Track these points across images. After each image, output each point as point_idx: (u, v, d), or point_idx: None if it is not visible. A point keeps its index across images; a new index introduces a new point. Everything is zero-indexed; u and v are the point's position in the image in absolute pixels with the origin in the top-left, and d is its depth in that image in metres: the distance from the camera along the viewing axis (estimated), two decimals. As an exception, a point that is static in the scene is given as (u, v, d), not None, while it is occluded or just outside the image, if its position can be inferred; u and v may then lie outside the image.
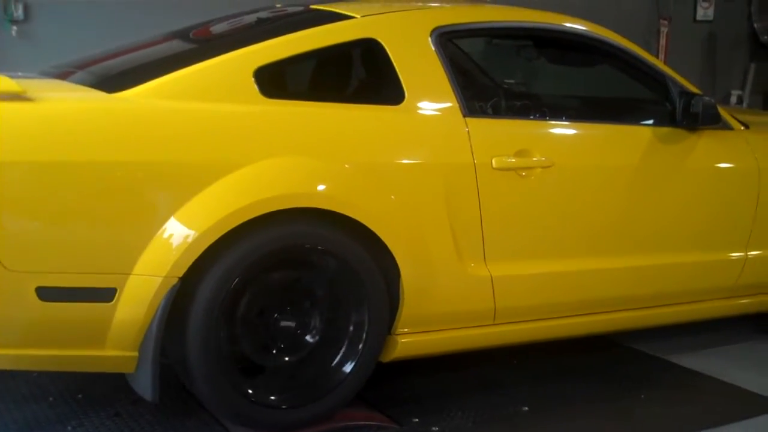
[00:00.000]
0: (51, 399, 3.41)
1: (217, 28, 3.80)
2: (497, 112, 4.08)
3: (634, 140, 3.85)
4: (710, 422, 3.52)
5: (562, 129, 3.83)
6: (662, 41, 8.04)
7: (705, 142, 3.98)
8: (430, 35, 3.48)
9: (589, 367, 4.04)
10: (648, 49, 4.15)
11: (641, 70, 3.99)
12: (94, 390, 3.47)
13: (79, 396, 3.43)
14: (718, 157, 4.05)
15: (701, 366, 4.09)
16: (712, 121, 3.93)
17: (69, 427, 3.19)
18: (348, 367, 3.23)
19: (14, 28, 5.40)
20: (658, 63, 4.07)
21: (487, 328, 3.54)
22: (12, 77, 2.93)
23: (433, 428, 3.32)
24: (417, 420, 3.37)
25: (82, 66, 3.49)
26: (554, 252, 3.65)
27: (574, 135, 3.82)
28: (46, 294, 2.77)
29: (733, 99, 8.72)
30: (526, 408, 3.54)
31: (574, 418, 3.51)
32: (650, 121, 3.97)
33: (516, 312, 3.59)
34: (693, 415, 3.59)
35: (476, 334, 3.53)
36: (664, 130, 3.90)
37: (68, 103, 2.98)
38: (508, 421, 3.43)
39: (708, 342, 4.44)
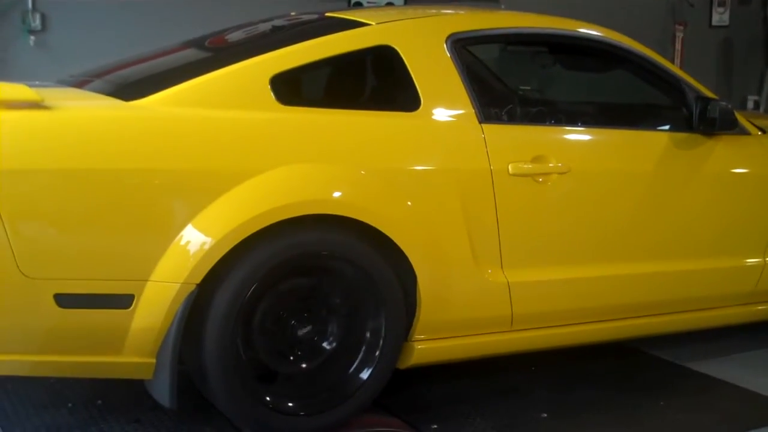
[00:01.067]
0: (70, 405, 3.42)
1: (233, 37, 3.81)
2: (513, 119, 4.08)
3: (650, 146, 3.84)
4: (729, 429, 3.51)
5: (578, 135, 3.83)
6: (678, 46, 8.02)
7: (722, 147, 3.96)
8: (446, 42, 3.49)
9: (607, 374, 4.02)
10: (663, 55, 4.13)
11: (657, 75, 3.98)
12: (114, 396, 3.48)
13: (99, 402, 3.44)
14: (736, 162, 4.03)
15: (720, 373, 4.07)
16: (729, 127, 3.91)
17: (88, 434, 3.22)
18: (365, 374, 3.22)
19: (32, 38, 5.45)
20: (674, 68, 4.05)
21: (505, 334, 3.53)
22: (30, 86, 2.94)
23: (451, 435, 3.33)
24: (435, 426, 3.36)
25: (99, 75, 3.51)
26: (571, 258, 3.64)
27: (590, 141, 3.81)
28: (64, 301, 2.78)
29: (750, 104, 8.69)
30: (545, 414, 3.53)
31: (594, 425, 3.49)
32: (666, 127, 3.97)
33: (533, 318, 3.58)
34: (712, 423, 3.57)
35: (494, 341, 3.52)
36: (681, 136, 3.89)
37: (86, 111, 2.99)
38: (527, 428, 3.42)
39: (727, 349, 4.41)
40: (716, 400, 3.80)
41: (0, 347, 2.81)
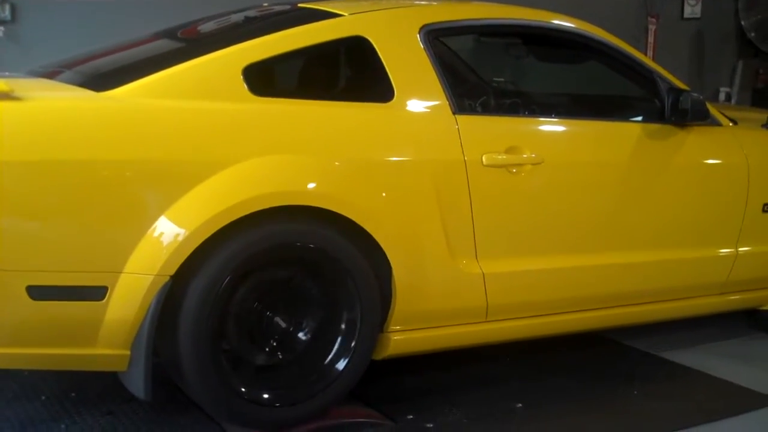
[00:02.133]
0: (43, 398, 3.40)
1: (205, 27, 3.79)
2: (487, 110, 4.10)
3: (623, 137, 3.86)
4: (703, 418, 3.52)
5: (552, 126, 3.84)
6: (650, 39, 8.07)
7: (694, 138, 3.98)
8: (419, 33, 3.48)
9: (581, 364, 4.04)
10: (636, 47, 4.15)
11: (630, 66, 4.00)
12: (87, 388, 3.46)
13: (72, 394, 3.42)
14: (708, 153, 4.06)
15: (694, 362, 4.09)
16: (701, 117, 3.94)
17: (62, 426, 3.18)
18: (341, 365, 3.22)
19: (1, 28, 5.40)
20: (647, 60, 4.07)
21: (480, 325, 3.54)
22: None
23: (428, 425, 3.32)
24: (411, 417, 3.37)
25: (70, 65, 3.48)
26: (545, 248, 3.65)
27: (564, 132, 3.82)
28: (36, 293, 2.76)
29: (722, 96, 8.75)
30: (520, 404, 3.54)
31: (568, 415, 3.51)
32: (639, 118, 3.99)
33: (508, 309, 3.59)
34: (686, 411, 3.59)
35: (469, 331, 3.53)
36: (653, 127, 3.91)
37: (56, 101, 2.97)
38: (502, 418, 3.43)
39: (700, 338, 4.44)
40: (690, 389, 3.83)
41: (-28, 340, 2.79)
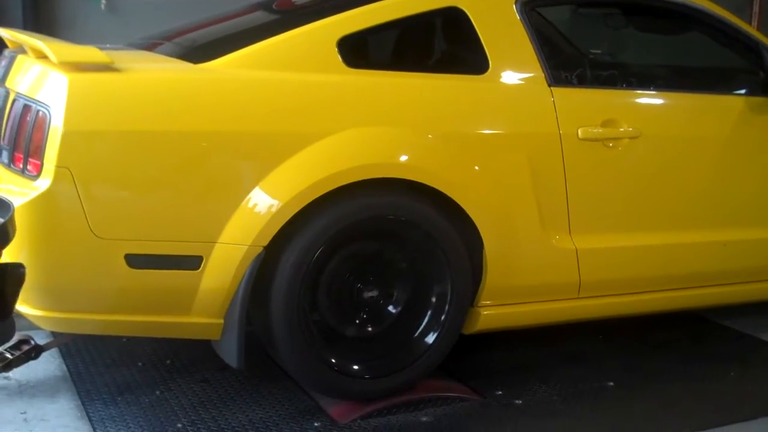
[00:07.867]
0: (140, 364, 3.49)
1: (300, -1, 3.80)
2: (583, 82, 4.01)
3: (724, 110, 3.75)
4: (802, 401, 3.44)
5: (650, 99, 3.75)
6: (755, 8, 7.79)
7: (800, 112, 3.84)
8: (515, 3, 3.43)
9: (675, 343, 3.96)
10: (740, 17, 4.01)
11: (733, 37, 3.87)
12: (183, 356, 3.54)
13: (168, 362, 3.51)
14: (814, 128, 3.91)
15: (793, 344, 3.99)
16: (809, 91, 3.80)
17: (157, 392, 3.26)
18: (430, 338, 3.22)
19: (103, 1, 5.50)
20: (751, 30, 3.93)
21: (572, 301, 3.49)
22: (101, 48, 2.97)
23: (516, 401, 3.30)
24: (500, 392, 3.36)
25: (168, 38, 3.54)
26: (641, 225, 3.58)
27: (663, 105, 3.73)
28: (134, 261, 2.82)
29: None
30: (612, 383, 3.49)
31: (661, 394, 3.45)
32: (742, 91, 3.86)
33: (601, 285, 3.53)
34: (784, 394, 3.51)
35: (560, 308, 3.49)
36: (757, 100, 3.79)
37: (155, 73, 3.02)
38: (593, 396, 3.39)
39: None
40: (788, 372, 3.74)
41: (72, 306, 2.88)
